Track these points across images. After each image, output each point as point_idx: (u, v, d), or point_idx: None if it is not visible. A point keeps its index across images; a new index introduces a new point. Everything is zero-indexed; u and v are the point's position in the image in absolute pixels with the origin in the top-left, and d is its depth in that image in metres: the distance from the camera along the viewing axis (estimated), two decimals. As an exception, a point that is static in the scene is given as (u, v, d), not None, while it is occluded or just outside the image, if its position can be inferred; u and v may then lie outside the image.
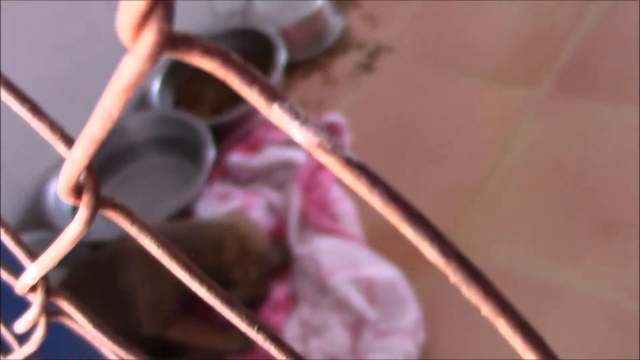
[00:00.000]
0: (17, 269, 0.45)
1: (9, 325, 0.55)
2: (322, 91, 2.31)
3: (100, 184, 0.30)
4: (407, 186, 1.97)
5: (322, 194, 1.98)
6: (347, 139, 2.12)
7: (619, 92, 1.98)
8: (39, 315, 0.44)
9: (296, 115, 0.22)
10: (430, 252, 0.23)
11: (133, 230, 0.32)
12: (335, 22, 2.45)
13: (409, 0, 2.46)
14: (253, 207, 1.99)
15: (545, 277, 1.70)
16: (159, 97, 2.30)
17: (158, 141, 2.25)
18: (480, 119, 2.05)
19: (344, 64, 2.36)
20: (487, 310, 0.23)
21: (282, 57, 2.26)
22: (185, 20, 2.45)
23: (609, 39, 2.11)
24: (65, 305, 0.43)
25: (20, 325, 0.46)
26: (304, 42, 2.40)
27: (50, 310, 0.47)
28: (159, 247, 0.32)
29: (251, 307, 1.81)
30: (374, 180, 0.23)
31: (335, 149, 0.22)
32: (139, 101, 2.36)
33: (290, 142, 2.12)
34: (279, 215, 1.99)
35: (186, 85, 2.35)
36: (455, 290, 0.24)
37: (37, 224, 2.07)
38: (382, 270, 1.77)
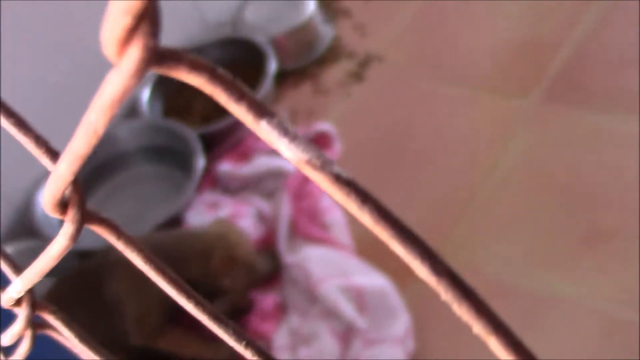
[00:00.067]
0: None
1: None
2: (313, 100, 2.30)
3: (86, 198, 0.30)
4: (398, 196, 1.97)
5: (312, 203, 1.98)
6: (338, 148, 2.12)
7: (610, 101, 1.99)
8: (24, 328, 0.44)
9: (285, 131, 0.22)
10: (421, 270, 0.23)
11: (119, 245, 0.32)
12: (326, 32, 2.45)
13: (400, 10, 2.46)
14: (243, 216, 1.99)
15: (537, 286, 1.70)
16: (148, 105, 2.30)
17: (148, 150, 2.24)
18: (471, 129, 2.05)
19: (334, 73, 2.36)
20: (478, 328, 0.23)
21: (272, 66, 2.26)
22: (175, 30, 2.44)
23: (600, 49, 2.12)
24: (50, 318, 0.43)
25: (6, 338, 0.46)
26: (294, 51, 2.40)
27: (36, 323, 0.46)
28: (145, 261, 0.31)
29: (238, 315, 1.81)
30: (364, 198, 0.22)
31: (324, 166, 0.22)
32: (128, 110, 2.36)
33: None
34: (269, 224, 1.99)
35: (176, 94, 2.34)
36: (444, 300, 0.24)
37: (27, 233, 2.06)
38: (372, 279, 1.76)
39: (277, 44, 2.36)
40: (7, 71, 1.99)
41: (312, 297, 1.78)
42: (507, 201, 1.87)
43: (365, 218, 0.22)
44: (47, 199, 0.29)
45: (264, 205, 2.02)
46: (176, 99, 2.34)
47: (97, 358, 0.43)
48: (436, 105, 2.16)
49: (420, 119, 2.14)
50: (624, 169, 1.84)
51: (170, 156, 2.19)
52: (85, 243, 1.85)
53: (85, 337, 0.43)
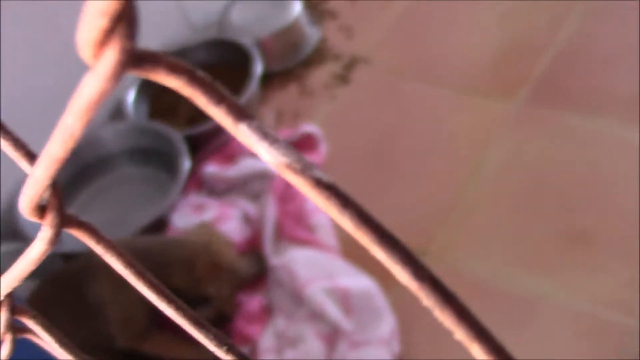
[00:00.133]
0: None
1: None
2: (299, 102, 2.30)
3: (64, 202, 0.29)
4: (382, 198, 1.97)
5: (298, 205, 1.98)
6: (323, 149, 2.12)
7: (593, 104, 1.99)
8: (4, 332, 0.43)
9: (264, 135, 0.22)
10: (402, 275, 0.22)
11: (99, 249, 0.31)
12: (312, 34, 2.45)
13: (386, 13, 2.46)
14: (228, 218, 1.98)
15: (521, 289, 1.70)
16: (134, 107, 2.29)
17: (133, 152, 2.23)
18: (455, 131, 2.05)
19: (320, 75, 2.35)
20: (460, 334, 0.23)
21: (258, 68, 2.26)
22: (161, 32, 2.44)
23: (584, 51, 2.12)
24: (30, 323, 0.42)
25: (-14, 342, 0.45)
26: (280, 53, 2.39)
27: (16, 327, 0.46)
28: (125, 265, 0.31)
29: (223, 321, 1.80)
30: (345, 202, 0.22)
31: (304, 170, 0.22)
32: (113, 112, 2.35)
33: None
34: (255, 226, 1.98)
35: (161, 96, 2.33)
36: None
37: (12, 234, 2.05)
38: (358, 281, 1.76)
39: (263, 46, 2.36)
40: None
41: (297, 299, 1.78)
42: (491, 203, 1.88)
43: (346, 223, 0.22)
44: (24, 203, 0.29)
45: (250, 207, 2.02)
46: (161, 101, 2.33)
47: (78, 363, 0.43)
48: (421, 107, 2.16)
49: (406, 121, 2.14)
50: (608, 171, 1.84)
51: (155, 158, 2.18)
52: (70, 245, 1.84)
53: (66, 341, 0.42)
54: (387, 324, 1.70)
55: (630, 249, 1.69)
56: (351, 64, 2.35)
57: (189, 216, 2.02)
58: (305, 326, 1.74)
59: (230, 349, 0.31)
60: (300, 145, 2.13)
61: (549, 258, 1.74)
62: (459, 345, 0.23)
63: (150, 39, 2.41)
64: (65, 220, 0.30)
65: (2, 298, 0.37)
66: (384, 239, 0.22)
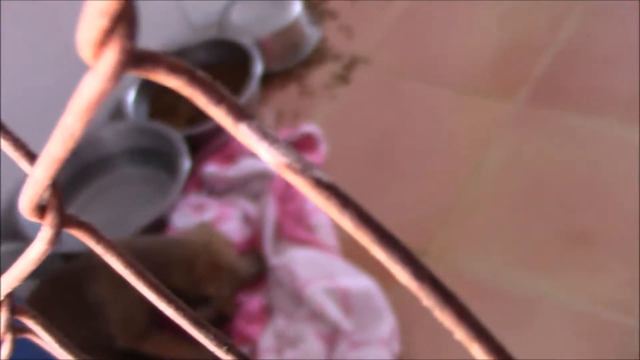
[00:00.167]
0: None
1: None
2: (298, 102, 2.30)
3: (64, 202, 0.29)
4: (382, 198, 1.97)
5: (298, 205, 1.98)
6: (323, 149, 2.12)
7: (593, 104, 1.99)
8: (4, 332, 0.43)
9: (265, 135, 0.22)
10: (402, 275, 0.22)
11: (99, 249, 0.31)
12: (312, 33, 2.45)
13: (386, 13, 2.46)
14: (228, 218, 1.98)
15: (520, 289, 1.70)
16: (134, 107, 2.29)
17: (133, 152, 2.23)
18: (455, 131, 2.05)
19: (320, 75, 2.35)
20: (460, 334, 0.23)
21: (258, 68, 2.25)
22: (161, 32, 2.44)
23: (583, 52, 2.12)
24: (30, 323, 0.42)
25: (-14, 342, 0.45)
26: (280, 53, 2.39)
27: (16, 327, 0.46)
28: (125, 265, 0.31)
29: (224, 321, 1.80)
30: (345, 202, 0.22)
31: (304, 170, 0.22)
32: (114, 112, 2.35)
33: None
34: (255, 226, 1.98)
35: (161, 96, 2.33)
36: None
37: (12, 234, 2.05)
38: (358, 281, 1.76)
39: (263, 46, 2.36)
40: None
41: (297, 299, 1.78)
42: (491, 203, 1.88)
43: (346, 223, 0.22)
44: (24, 203, 0.29)
45: (250, 207, 2.02)
46: (161, 101, 2.33)
47: (78, 362, 0.43)
48: (421, 107, 2.16)
49: (406, 121, 2.14)
50: (608, 171, 1.84)
51: (155, 158, 2.18)
52: (70, 245, 1.84)
53: (66, 341, 0.42)
54: (387, 324, 1.70)
55: (630, 249, 1.69)
56: (351, 64, 2.35)
57: (189, 216, 2.01)
58: (305, 326, 1.74)
59: (230, 349, 0.31)
60: (300, 145, 2.13)
61: (549, 258, 1.74)
62: (459, 345, 0.23)
63: (150, 39, 2.41)
64: (65, 220, 0.30)
65: (2, 298, 0.37)
66: (384, 239, 0.22)
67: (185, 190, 2.08)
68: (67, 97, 0.22)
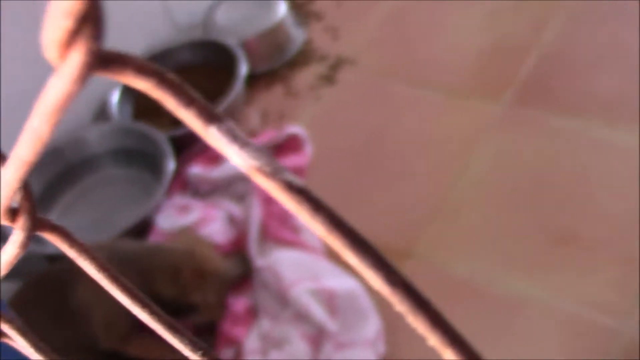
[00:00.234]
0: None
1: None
2: (284, 103, 2.30)
3: (36, 205, 0.29)
4: (368, 199, 1.96)
5: (283, 206, 1.96)
6: (309, 151, 2.11)
7: (578, 105, 2.00)
8: (-20, 337, 0.43)
9: (235, 138, 0.21)
10: (375, 280, 0.22)
11: (72, 253, 0.31)
12: (297, 34, 2.44)
13: (371, 14, 2.46)
14: (213, 219, 1.98)
15: (506, 289, 1.70)
16: (118, 108, 2.28)
17: (117, 153, 2.22)
18: (441, 133, 2.06)
19: (305, 76, 2.35)
20: (434, 340, 0.22)
21: (243, 68, 2.25)
22: (146, 32, 2.43)
23: (568, 54, 2.13)
24: (6, 328, 0.42)
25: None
26: (265, 54, 2.39)
27: (-7, 331, 0.45)
28: (98, 269, 0.31)
29: (213, 326, 1.80)
30: (317, 206, 0.22)
31: (275, 173, 0.21)
32: (98, 112, 2.34)
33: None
34: (239, 227, 1.98)
35: (146, 97, 2.31)
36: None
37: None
38: (343, 282, 1.76)
39: (248, 47, 2.35)
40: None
41: (283, 301, 1.78)
42: (477, 204, 1.88)
43: (318, 227, 0.22)
44: (-5, 206, 0.28)
45: (235, 209, 2.01)
46: (146, 102, 2.32)
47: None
48: (407, 108, 2.16)
49: (391, 122, 2.14)
50: (593, 172, 1.85)
51: (140, 159, 2.18)
52: (54, 247, 1.83)
53: (42, 346, 0.42)
54: (372, 325, 1.69)
55: (614, 250, 1.70)
56: (337, 65, 2.34)
57: (173, 217, 2.01)
58: (290, 327, 1.74)
59: (205, 354, 0.31)
60: (286, 147, 2.13)
61: (535, 259, 1.74)
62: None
63: (135, 39, 2.41)
64: (37, 224, 0.30)
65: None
66: (356, 243, 0.22)
67: (170, 191, 2.08)
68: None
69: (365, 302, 1.73)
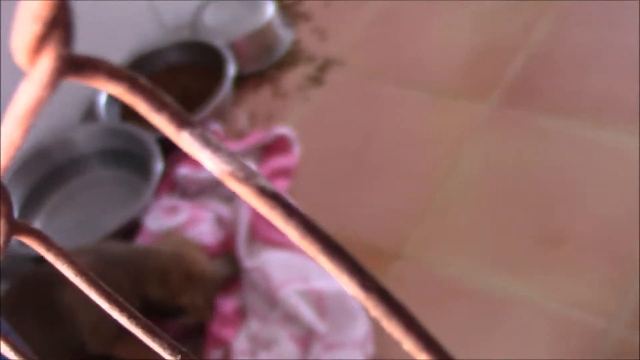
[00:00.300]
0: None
1: None
2: (272, 104, 2.29)
3: (13, 208, 0.29)
4: (356, 199, 1.97)
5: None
6: (297, 152, 2.11)
7: (566, 106, 2.00)
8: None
9: (207, 142, 0.21)
10: (349, 285, 0.22)
11: (49, 257, 0.31)
12: (285, 35, 2.44)
13: (359, 15, 2.46)
14: (201, 220, 1.97)
15: (493, 289, 1.71)
16: (106, 109, 2.27)
17: (105, 154, 2.22)
18: (429, 133, 2.06)
19: (293, 77, 2.35)
20: (409, 345, 0.22)
21: (231, 69, 2.25)
22: (133, 33, 2.42)
23: (556, 54, 2.13)
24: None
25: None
26: (253, 54, 2.39)
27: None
28: (76, 273, 0.31)
29: (200, 327, 1.80)
30: (290, 212, 0.22)
31: (248, 178, 0.21)
32: (85, 113, 2.33)
33: (239, 154, 2.10)
34: (228, 228, 1.98)
35: (134, 98, 2.32)
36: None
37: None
38: (332, 283, 1.76)
39: (236, 47, 2.35)
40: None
41: (272, 302, 1.78)
42: (465, 204, 1.88)
43: (291, 232, 0.22)
44: (-30, 211, 0.28)
45: (223, 209, 2.01)
46: (134, 103, 2.31)
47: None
48: (395, 109, 2.16)
49: (380, 123, 2.14)
50: (581, 172, 1.85)
51: (128, 160, 2.17)
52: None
53: (23, 350, 0.41)
54: (361, 326, 1.70)
55: (602, 251, 1.70)
56: (325, 66, 2.34)
57: (161, 218, 2.00)
58: (279, 328, 1.73)
59: (184, 358, 0.31)
60: (274, 148, 2.13)
61: (522, 259, 1.74)
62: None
63: (122, 40, 2.40)
64: (14, 228, 0.30)
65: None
66: (330, 248, 0.22)
67: (158, 192, 2.07)
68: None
69: (355, 303, 1.73)
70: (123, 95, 0.21)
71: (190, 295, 1.73)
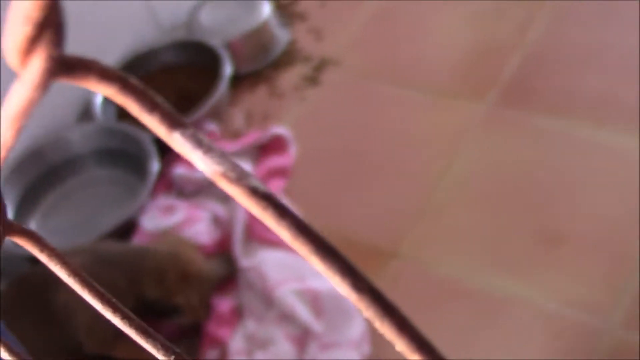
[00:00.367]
0: None
1: None
2: (268, 104, 2.29)
3: (6, 209, 0.29)
4: (353, 199, 1.97)
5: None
6: (293, 151, 2.11)
7: (561, 105, 2.00)
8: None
9: (199, 143, 0.21)
10: (341, 286, 0.22)
11: (42, 257, 0.31)
12: (282, 35, 2.44)
13: (355, 15, 2.46)
14: (197, 220, 1.97)
15: (491, 289, 1.71)
16: (102, 108, 2.27)
17: (101, 153, 2.21)
18: (426, 133, 2.06)
19: (290, 77, 2.35)
20: (401, 346, 0.22)
21: (227, 69, 2.25)
22: (129, 33, 2.42)
23: (552, 54, 2.13)
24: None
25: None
26: (249, 54, 2.39)
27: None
28: (69, 274, 0.30)
29: (196, 327, 1.80)
30: (282, 212, 0.22)
31: (240, 179, 0.21)
32: (82, 113, 2.33)
33: (235, 154, 2.10)
34: (224, 227, 1.97)
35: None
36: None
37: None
38: (328, 283, 1.76)
39: (232, 47, 2.35)
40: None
41: (268, 301, 1.78)
42: (462, 204, 1.88)
43: (284, 233, 0.22)
44: (-37, 212, 0.28)
45: (219, 209, 2.01)
46: (130, 102, 2.31)
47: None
48: (391, 109, 2.16)
49: (376, 123, 2.14)
50: (578, 171, 1.85)
51: (124, 160, 2.17)
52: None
53: (17, 351, 0.41)
54: (357, 326, 1.70)
55: (599, 250, 1.70)
56: (321, 66, 2.34)
57: (158, 218, 2.00)
58: (275, 328, 1.73)
59: (178, 358, 0.31)
60: (270, 147, 2.13)
61: (520, 258, 1.74)
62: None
63: (118, 39, 2.40)
64: (7, 229, 0.30)
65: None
66: (323, 249, 0.22)
67: (154, 192, 2.07)
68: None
69: (351, 302, 1.72)
70: (115, 96, 0.21)
71: (186, 294, 1.73)
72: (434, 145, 2.02)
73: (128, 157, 2.15)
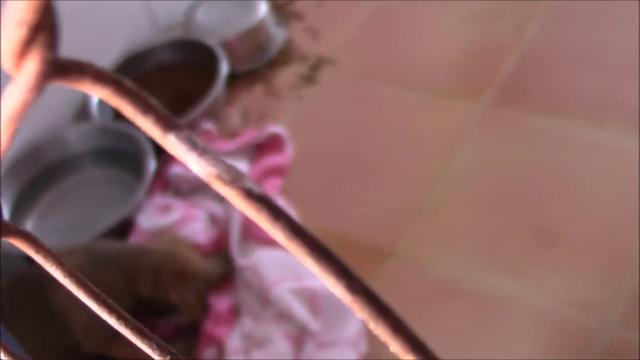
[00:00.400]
0: None
1: None
2: (265, 103, 2.29)
3: (1, 210, 0.29)
4: (349, 199, 1.97)
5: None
6: (290, 150, 2.11)
7: (557, 105, 2.00)
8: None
9: (193, 145, 0.21)
10: (336, 287, 0.22)
11: (38, 258, 0.31)
12: (278, 34, 2.44)
13: (352, 14, 2.46)
14: (194, 219, 1.97)
15: (487, 288, 1.71)
16: (98, 108, 2.27)
17: (98, 153, 2.21)
18: (422, 133, 2.06)
19: (286, 76, 2.35)
20: (396, 347, 0.22)
21: (224, 68, 2.25)
22: (126, 32, 2.42)
23: (548, 54, 2.13)
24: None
25: None
26: (246, 53, 2.39)
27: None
28: (65, 275, 0.30)
29: (193, 325, 1.80)
30: (277, 214, 0.22)
31: (235, 181, 0.21)
32: (78, 112, 2.33)
33: (232, 153, 2.10)
34: (221, 226, 1.97)
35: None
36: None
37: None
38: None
39: (229, 46, 2.35)
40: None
41: (265, 300, 1.78)
42: (458, 203, 1.88)
43: (278, 235, 0.22)
44: (-42, 213, 0.28)
45: (216, 208, 2.01)
46: (127, 101, 2.31)
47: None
48: (388, 108, 2.16)
49: (372, 122, 2.14)
50: (574, 171, 1.86)
51: (121, 159, 2.17)
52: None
53: (13, 352, 0.41)
54: (354, 325, 1.70)
55: (596, 249, 1.70)
56: (317, 65, 2.34)
57: (154, 217, 2.00)
58: (272, 327, 1.73)
59: (173, 358, 0.31)
60: (267, 146, 2.13)
61: (516, 258, 1.74)
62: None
63: (114, 39, 2.40)
64: (3, 229, 0.30)
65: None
66: (317, 251, 0.22)
67: (151, 191, 2.07)
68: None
69: (347, 302, 1.73)
70: (109, 98, 0.21)
71: (182, 293, 1.72)
72: (430, 145, 2.02)
73: (125, 156, 2.15)
